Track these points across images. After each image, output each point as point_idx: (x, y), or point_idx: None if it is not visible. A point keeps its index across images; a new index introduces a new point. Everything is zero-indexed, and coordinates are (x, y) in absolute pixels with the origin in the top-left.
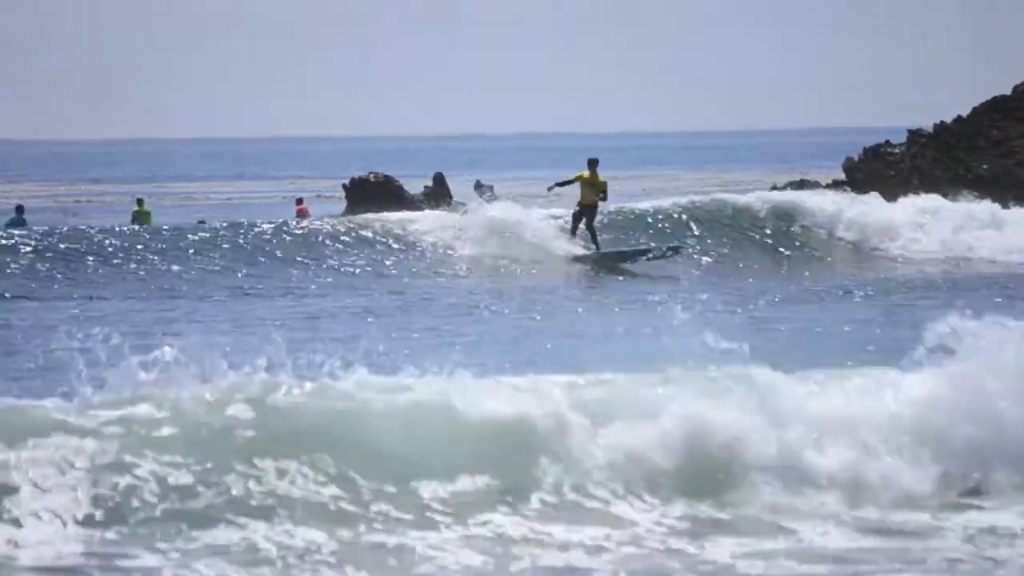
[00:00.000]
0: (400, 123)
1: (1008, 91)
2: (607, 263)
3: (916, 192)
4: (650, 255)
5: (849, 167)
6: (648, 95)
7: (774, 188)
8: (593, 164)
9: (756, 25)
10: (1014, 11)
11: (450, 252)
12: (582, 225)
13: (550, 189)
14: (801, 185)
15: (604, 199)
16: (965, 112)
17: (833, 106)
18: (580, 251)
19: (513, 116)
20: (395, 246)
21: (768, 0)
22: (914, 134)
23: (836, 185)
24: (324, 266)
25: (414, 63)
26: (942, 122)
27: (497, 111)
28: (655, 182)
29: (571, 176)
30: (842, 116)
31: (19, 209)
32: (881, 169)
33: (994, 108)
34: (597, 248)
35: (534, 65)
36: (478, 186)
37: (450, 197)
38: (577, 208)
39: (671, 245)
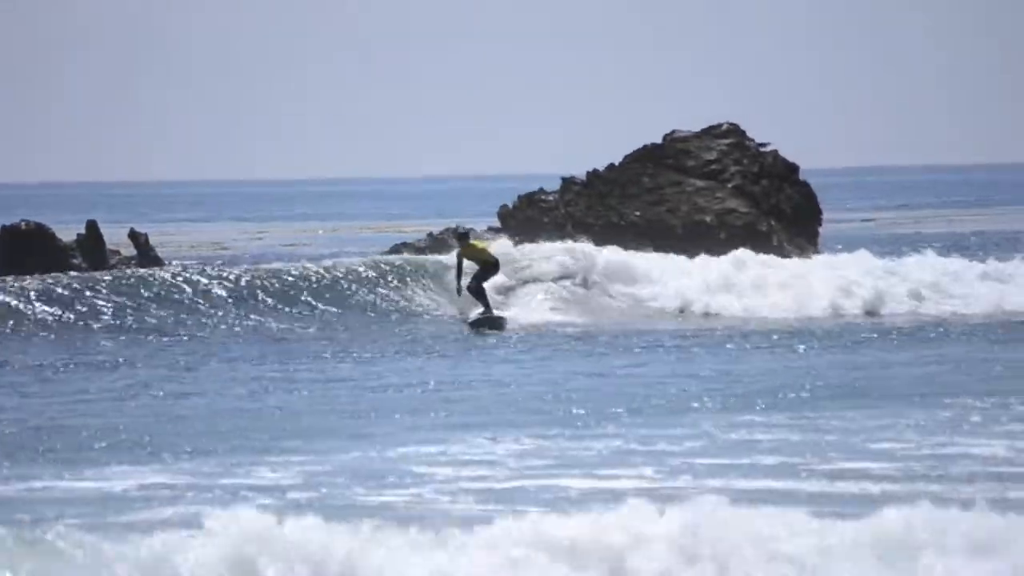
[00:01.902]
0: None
1: (659, 139)
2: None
3: (572, 238)
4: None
5: (504, 214)
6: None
7: (430, 235)
8: (463, 237)
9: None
10: (667, 62)
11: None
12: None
13: (460, 293)
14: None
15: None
16: (617, 160)
17: (490, 154)
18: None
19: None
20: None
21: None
22: (567, 181)
23: (491, 232)
24: None
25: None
26: (595, 170)
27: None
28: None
29: (454, 265)
30: (500, 165)
31: None
32: (536, 216)
33: (645, 156)
34: (487, 310)
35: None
36: (132, 234)
37: (103, 245)
38: (477, 275)
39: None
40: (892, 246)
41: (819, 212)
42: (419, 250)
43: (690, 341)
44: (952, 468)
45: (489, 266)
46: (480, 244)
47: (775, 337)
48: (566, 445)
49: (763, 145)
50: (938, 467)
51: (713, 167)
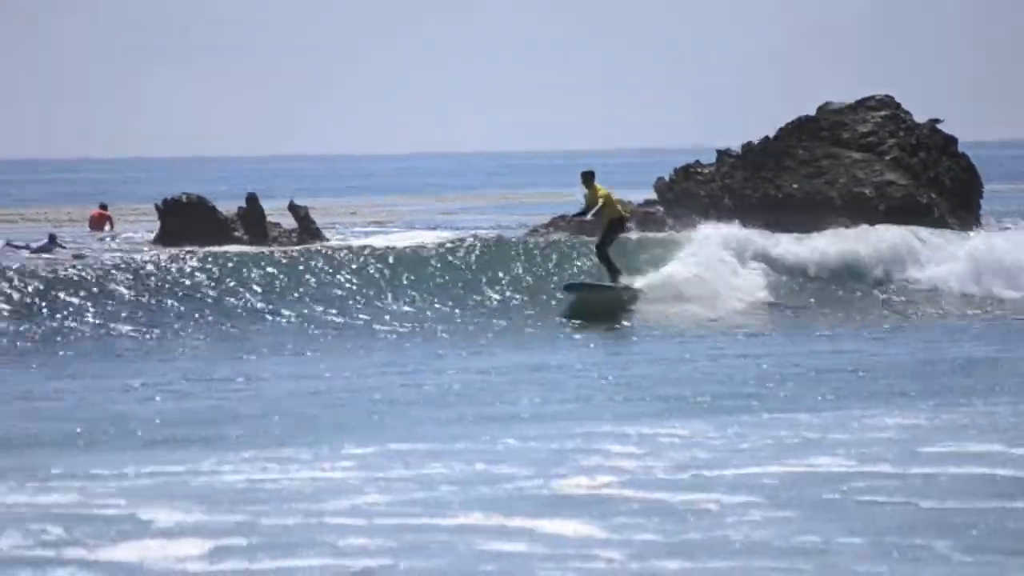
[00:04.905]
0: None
1: (813, 112)
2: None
3: (729, 211)
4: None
5: (661, 187)
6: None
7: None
8: (589, 177)
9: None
10: (821, 36)
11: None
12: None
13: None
14: None
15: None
16: (772, 133)
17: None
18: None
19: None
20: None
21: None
22: (723, 154)
23: (648, 204)
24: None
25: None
26: (750, 142)
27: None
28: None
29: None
30: (646, 137)
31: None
32: (692, 188)
33: (800, 129)
34: (615, 277)
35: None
36: (292, 207)
37: (264, 218)
38: (604, 235)
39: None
40: None
41: (980, 185)
42: None
43: None
44: None
45: (616, 222)
46: (604, 190)
47: None
48: None
49: (937, 121)
50: None
51: (869, 139)
